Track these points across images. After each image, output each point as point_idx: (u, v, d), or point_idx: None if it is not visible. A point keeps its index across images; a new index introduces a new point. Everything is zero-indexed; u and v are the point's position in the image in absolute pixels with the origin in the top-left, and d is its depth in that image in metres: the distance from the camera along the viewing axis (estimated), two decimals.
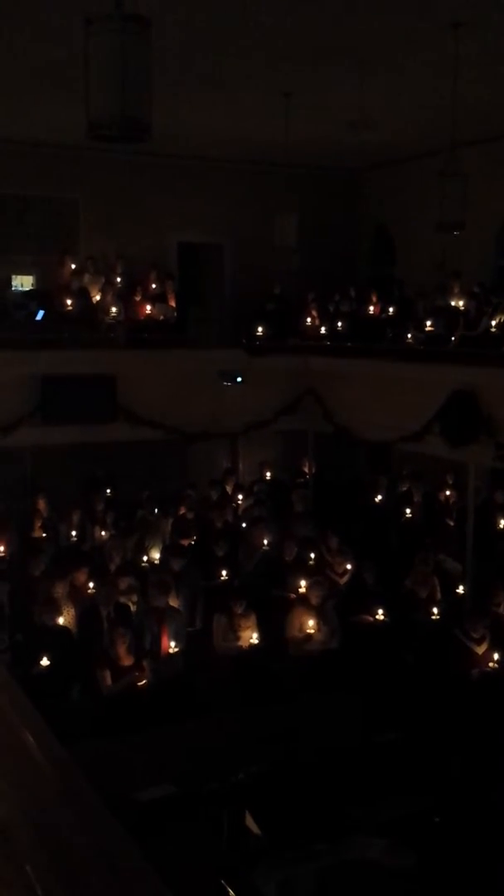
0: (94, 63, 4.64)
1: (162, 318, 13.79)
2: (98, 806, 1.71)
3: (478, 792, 6.97)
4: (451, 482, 13.01)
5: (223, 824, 6.34)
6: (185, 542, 11.10)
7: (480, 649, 8.84)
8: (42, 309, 13.17)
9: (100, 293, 13.55)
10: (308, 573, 10.10)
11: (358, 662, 9.02)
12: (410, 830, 6.26)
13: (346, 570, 10.71)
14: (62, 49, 8.73)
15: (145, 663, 8.32)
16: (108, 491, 12.75)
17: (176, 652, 8.82)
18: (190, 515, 11.95)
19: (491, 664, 8.78)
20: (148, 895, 1.52)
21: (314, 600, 9.41)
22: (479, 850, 6.19)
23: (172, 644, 8.79)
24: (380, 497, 13.07)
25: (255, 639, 9.18)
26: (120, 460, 13.20)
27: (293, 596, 9.93)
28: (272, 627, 9.48)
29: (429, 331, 12.43)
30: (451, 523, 12.30)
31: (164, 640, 8.84)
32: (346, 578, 10.66)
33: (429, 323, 12.51)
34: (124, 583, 9.41)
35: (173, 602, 9.32)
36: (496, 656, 8.79)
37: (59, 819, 1.65)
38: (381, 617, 9.79)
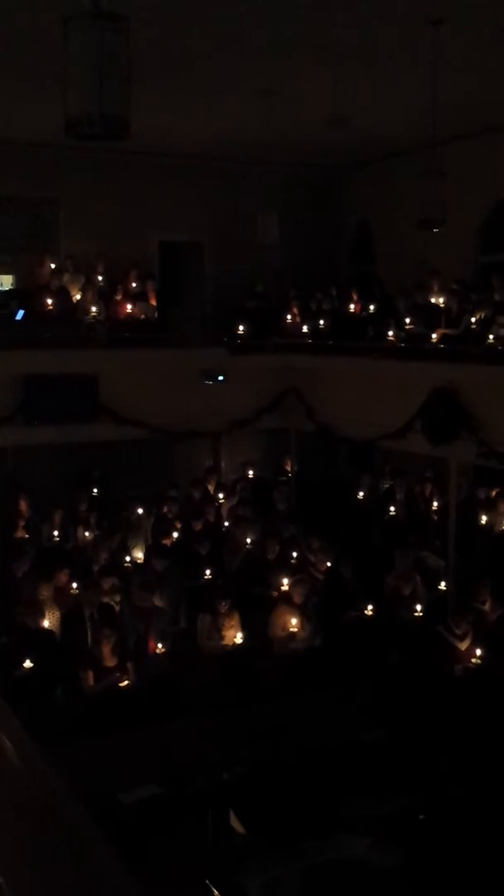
0: (71, 61, 4.61)
1: (143, 317, 13.76)
2: (77, 812, 1.69)
3: (463, 789, 6.98)
4: (431, 479, 13.03)
5: (208, 824, 6.34)
6: (166, 541, 11.06)
7: (463, 645, 8.87)
8: (22, 309, 13.11)
9: (80, 292, 13.51)
10: (291, 571, 10.10)
11: (342, 660, 9.03)
12: (396, 828, 6.27)
13: (328, 569, 10.71)
14: (40, 47, 8.67)
15: (129, 664, 8.29)
16: (95, 491, 12.70)
17: (161, 652, 8.80)
18: (171, 515, 11.93)
19: (474, 660, 8.81)
20: None
21: (297, 598, 9.41)
22: (464, 847, 6.21)
23: (159, 645, 8.78)
24: (362, 495, 13.09)
25: (239, 638, 9.17)
26: (102, 460, 13.17)
27: (276, 594, 9.93)
28: (256, 626, 9.47)
29: (409, 328, 12.45)
30: (435, 518, 12.34)
31: (151, 640, 8.83)
32: None
33: (409, 320, 12.52)
34: (107, 583, 9.39)
35: (158, 602, 9.30)
36: (479, 652, 8.82)
37: (36, 828, 1.63)
38: (370, 613, 9.79)
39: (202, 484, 13.22)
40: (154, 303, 14.04)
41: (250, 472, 14.23)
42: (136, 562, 10.95)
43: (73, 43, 4.58)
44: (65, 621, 9.08)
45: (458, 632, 8.89)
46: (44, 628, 8.71)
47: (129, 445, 12.63)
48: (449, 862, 6.09)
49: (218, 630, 9.19)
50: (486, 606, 9.58)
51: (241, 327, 13.65)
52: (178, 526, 11.60)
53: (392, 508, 12.52)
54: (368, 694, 8.25)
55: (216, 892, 5.34)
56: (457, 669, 8.74)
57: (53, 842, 1.59)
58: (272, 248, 13.16)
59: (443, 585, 10.88)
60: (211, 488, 13.33)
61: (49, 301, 13.04)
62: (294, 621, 9.27)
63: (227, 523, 12.17)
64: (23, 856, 1.53)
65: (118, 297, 13.70)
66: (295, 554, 10.87)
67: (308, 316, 14.11)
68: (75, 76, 4.59)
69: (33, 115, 11.82)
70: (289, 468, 14.28)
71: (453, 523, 11.21)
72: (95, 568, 10.05)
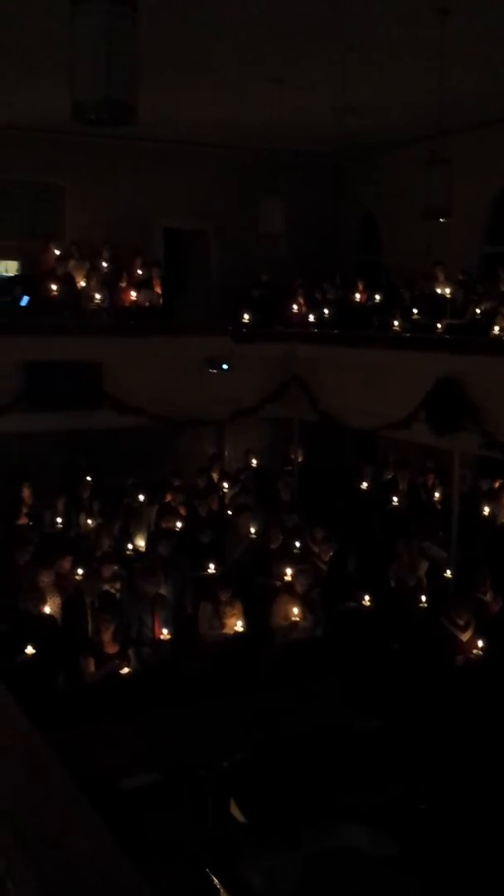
0: (80, 45, 4.59)
1: (147, 304, 13.72)
2: (76, 796, 1.69)
3: (462, 779, 6.99)
4: (434, 469, 13.01)
5: (208, 812, 6.34)
6: (166, 526, 11.03)
7: (465, 636, 8.86)
8: (27, 295, 13.09)
9: (85, 279, 13.48)
10: (293, 561, 10.09)
11: (343, 650, 9.03)
12: (394, 818, 6.28)
13: (331, 559, 10.70)
14: (48, 31, 8.65)
15: (130, 651, 8.30)
16: (89, 479, 12.67)
17: (166, 639, 8.82)
18: (175, 503, 11.91)
19: (475, 651, 8.80)
20: (125, 888, 1.51)
21: (299, 588, 9.41)
22: (463, 837, 6.21)
23: (164, 631, 8.80)
24: (365, 485, 13.07)
25: (240, 626, 9.17)
26: (106, 447, 13.15)
27: (278, 584, 9.92)
28: (258, 615, 9.47)
29: (415, 318, 12.42)
30: (439, 507, 12.33)
31: (157, 626, 8.85)
32: None
33: (415, 311, 12.49)
34: (108, 570, 9.39)
35: (162, 590, 9.30)
36: (480, 643, 8.81)
37: (35, 810, 1.64)
38: (368, 603, 9.80)
39: (206, 472, 13.21)
40: (159, 290, 14.01)
41: (254, 462, 14.22)
42: (138, 550, 10.94)
43: (81, 27, 4.56)
44: (65, 608, 9.09)
45: (460, 622, 8.88)
46: (45, 614, 8.72)
47: (132, 433, 12.62)
48: (447, 851, 6.10)
49: (219, 618, 9.19)
50: (488, 597, 9.57)
51: (245, 315, 13.62)
52: (182, 514, 11.59)
53: (395, 499, 12.51)
54: (369, 684, 8.25)
55: (216, 881, 5.35)
56: (458, 660, 8.73)
57: (54, 829, 1.60)
58: (277, 237, 13.13)
59: (448, 574, 10.86)
60: (215, 477, 13.32)
61: (54, 287, 13.01)
62: (296, 611, 9.27)
63: (229, 512, 12.16)
64: (22, 841, 1.53)
65: (123, 284, 13.67)
66: (298, 543, 10.86)
67: (313, 305, 14.08)
68: (83, 61, 4.58)
69: (40, 100, 11.80)
70: (293, 458, 14.26)
71: (456, 514, 11.20)
72: (98, 555, 10.05)
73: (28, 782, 1.77)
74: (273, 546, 10.78)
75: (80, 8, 4.50)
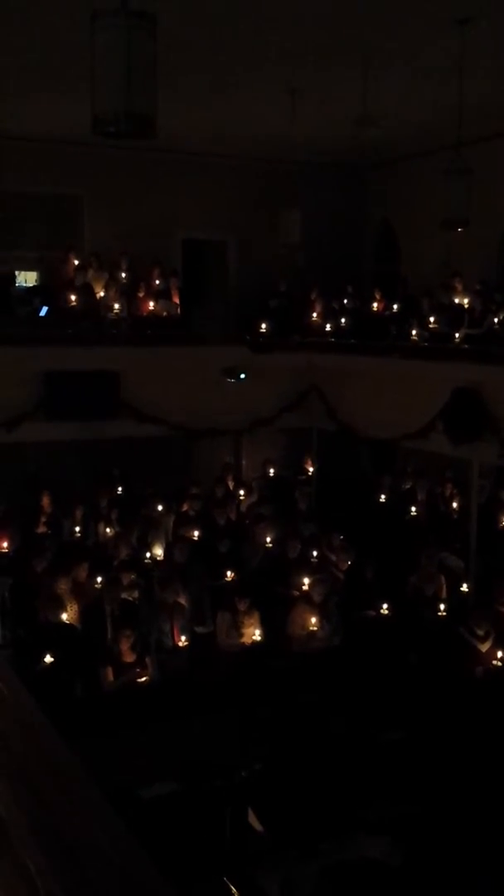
0: (99, 59, 4.63)
1: (166, 314, 13.78)
2: (101, 802, 1.71)
3: (480, 791, 6.95)
4: (452, 479, 12.98)
5: (226, 822, 6.34)
6: (184, 534, 11.06)
7: (484, 647, 8.83)
8: (46, 305, 13.17)
9: (104, 289, 13.54)
10: (311, 571, 10.09)
11: (361, 660, 9.02)
12: (413, 830, 6.26)
13: (349, 568, 10.69)
14: (68, 44, 8.71)
15: (148, 660, 8.32)
16: (119, 489, 12.68)
17: (185, 646, 8.84)
18: (193, 512, 11.93)
19: (495, 662, 8.77)
20: (150, 893, 1.52)
21: (317, 598, 9.41)
22: (480, 849, 6.18)
23: (182, 638, 8.83)
24: (383, 495, 13.05)
25: (257, 636, 9.18)
26: (124, 457, 13.20)
27: (296, 593, 9.92)
28: (275, 625, 9.47)
29: (433, 328, 12.41)
30: (455, 517, 12.30)
31: (175, 634, 8.88)
32: None
33: (433, 320, 12.49)
34: (126, 578, 9.42)
35: (180, 598, 9.33)
36: (500, 654, 8.78)
37: (61, 815, 1.66)
38: (386, 611, 9.77)
39: (224, 482, 13.23)
40: (177, 300, 14.06)
41: (271, 471, 14.23)
42: (155, 558, 10.96)
43: (101, 40, 4.60)
44: (84, 615, 9.12)
45: (480, 633, 8.86)
46: (63, 622, 8.74)
47: (150, 442, 12.66)
48: (466, 863, 6.07)
49: (237, 628, 9.19)
50: None
51: (263, 325, 13.64)
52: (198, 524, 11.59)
53: (413, 509, 12.48)
54: (388, 695, 8.23)
55: (234, 890, 5.35)
56: (477, 671, 8.71)
57: (78, 833, 1.61)
58: (295, 247, 13.16)
59: (464, 587, 10.83)
60: (230, 485, 13.34)
61: (73, 297, 13.09)
62: (313, 620, 9.26)
63: (247, 521, 12.16)
64: (48, 845, 1.55)
65: (141, 295, 13.73)
66: (315, 553, 10.85)
67: (331, 315, 14.09)
68: (102, 74, 4.62)
69: (59, 113, 11.88)
70: (310, 467, 14.25)
71: (474, 524, 11.17)
72: (115, 564, 10.07)
73: (55, 788, 1.78)
74: (290, 555, 10.77)
75: (99, 22, 4.54)
